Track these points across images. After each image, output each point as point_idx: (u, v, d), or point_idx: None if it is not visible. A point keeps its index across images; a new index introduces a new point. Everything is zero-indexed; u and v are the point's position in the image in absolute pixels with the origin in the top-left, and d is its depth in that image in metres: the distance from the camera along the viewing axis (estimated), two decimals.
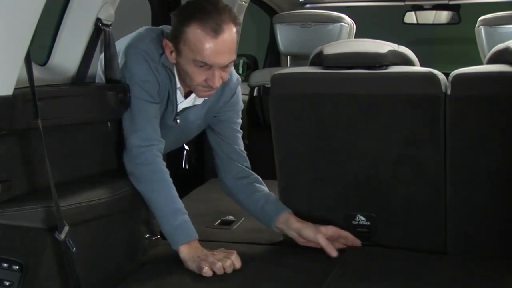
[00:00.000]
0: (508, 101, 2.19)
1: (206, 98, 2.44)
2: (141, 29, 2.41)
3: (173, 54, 2.28)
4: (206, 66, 2.22)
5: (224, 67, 2.26)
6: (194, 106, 2.46)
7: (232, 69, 2.47)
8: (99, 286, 2.11)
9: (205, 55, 2.19)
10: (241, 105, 2.58)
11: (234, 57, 2.27)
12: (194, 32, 2.18)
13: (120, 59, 2.34)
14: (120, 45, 2.37)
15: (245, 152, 2.55)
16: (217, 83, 2.26)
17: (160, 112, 2.39)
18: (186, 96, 2.43)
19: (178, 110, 2.44)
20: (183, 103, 2.43)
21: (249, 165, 2.54)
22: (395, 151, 2.31)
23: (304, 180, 2.45)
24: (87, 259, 2.07)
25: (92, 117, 2.24)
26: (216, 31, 2.17)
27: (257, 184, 2.48)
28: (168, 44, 2.28)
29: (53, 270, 1.98)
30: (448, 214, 2.28)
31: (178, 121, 2.46)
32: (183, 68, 2.28)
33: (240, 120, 2.58)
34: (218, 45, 2.18)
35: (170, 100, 2.40)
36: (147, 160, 2.28)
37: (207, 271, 2.12)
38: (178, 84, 2.38)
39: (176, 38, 2.23)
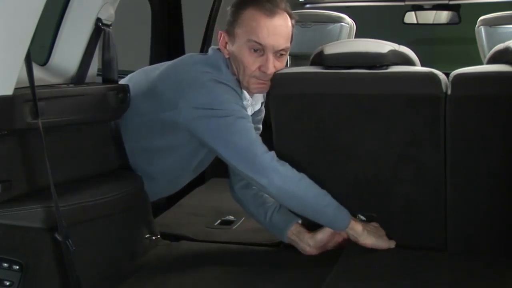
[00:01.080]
0: (508, 101, 2.19)
1: (263, 102, 2.44)
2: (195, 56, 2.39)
3: (227, 45, 2.29)
4: (260, 51, 2.24)
5: (278, 56, 2.28)
6: (253, 115, 2.43)
7: None
8: (99, 286, 2.11)
9: (259, 34, 2.22)
10: (264, 113, 2.56)
11: (288, 45, 2.29)
12: (250, 13, 2.24)
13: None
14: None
15: None
16: (271, 69, 2.26)
17: None
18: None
19: None
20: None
21: None
22: (395, 151, 2.30)
23: None
24: (87, 259, 2.07)
25: (92, 117, 2.24)
26: (271, 12, 2.23)
27: (265, 194, 2.43)
28: (223, 35, 2.30)
29: (53, 270, 1.98)
30: (448, 214, 2.28)
31: None
32: (237, 57, 2.27)
33: (260, 127, 2.55)
34: (272, 26, 2.23)
35: None
36: (282, 168, 2.22)
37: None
38: (246, 95, 2.36)
39: (232, 24, 2.27)
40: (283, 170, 2.21)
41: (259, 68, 2.27)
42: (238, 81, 2.33)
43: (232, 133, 2.22)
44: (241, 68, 2.29)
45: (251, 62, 2.26)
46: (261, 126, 2.56)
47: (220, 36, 2.32)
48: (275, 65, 2.28)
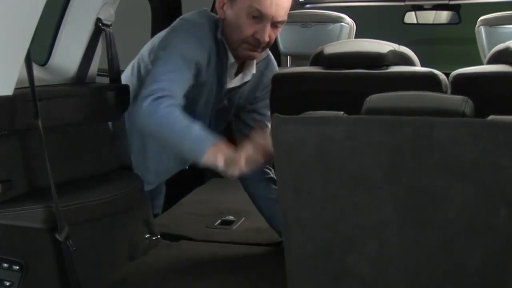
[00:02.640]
0: (508, 101, 2.19)
1: (254, 73, 2.44)
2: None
3: (225, 7, 2.30)
4: (258, 18, 2.25)
5: (275, 26, 2.29)
6: (242, 85, 2.44)
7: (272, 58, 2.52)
8: (99, 286, 2.11)
9: (262, 3, 2.22)
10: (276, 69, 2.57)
11: (286, 18, 2.31)
12: None
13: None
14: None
15: None
16: (266, 37, 2.27)
17: (207, 93, 2.37)
18: (235, 75, 2.43)
19: (226, 91, 2.42)
20: (232, 82, 2.42)
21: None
22: None
23: None
24: (87, 259, 2.07)
25: (92, 117, 2.24)
26: None
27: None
28: None
29: (53, 270, 1.98)
30: None
31: (225, 102, 2.45)
32: (233, 21, 2.28)
33: (269, 113, 2.51)
34: None
35: (218, 79, 2.38)
36: (162, 109, 2.14)
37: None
38: (232, 59, 2.36)
39: None
40: (157, 109, 2.13)
41: (254, 34, 2.27)
42: (224, 42, 2.34)
43: (158, 64, 2.25)
44: (235, 32, 2.30)
45: (248, 27, 2.26)
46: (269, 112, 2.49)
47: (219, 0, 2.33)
48: (269, 34, 2.29)
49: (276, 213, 2.35)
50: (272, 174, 2.48)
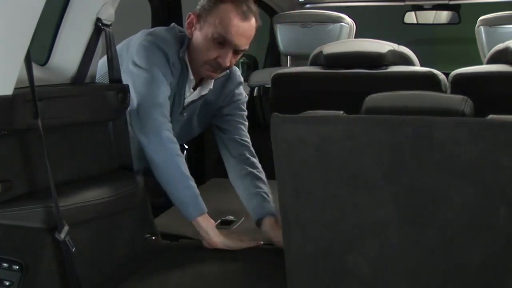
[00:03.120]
0: (508, 100, 2.19)
1: (211, 88, 2.55)
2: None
3: (193, 28, 2.43)
4: (222, 44, 2.38)
5: (236, 53, 2.42)
6: (200, 98, 2.55)
7: (235, 67, 2.63)
8: (99, 286, 2.11)
9: (229, 31, 2.35)
10: (245, 97, 2.68)
11: (247, 47, 2.44)
12: (227, 10, 2.37)
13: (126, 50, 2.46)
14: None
15: (250, 143, 2.61)
16: (227, 63, 2.40)
17: (170, 107, 2.47)
18: (194, 89, 2.54)
19: (185, 104, 2.53)
20: (191, 96, 2.52)
21: (253, 158, 2.58)
22: None
23: None
24: (87, 259, 2.07)
25: (92, 117, 2.24)
26: (246, 16, 2.38)
27: (257, 182, 2.52)
28: (192, 18, 2.43)
29: (53, 270, 1.98)
30: None
31: (184, 114, 2.54)
32: (199, 43, 2.41)
33: (245, 112, 2.67)
34: (243, 28, 2.38)
35: (178, 92, 2.49)
36: (167, 138, 2.34)
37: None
38: (191, 76, 2.48)
39: (205, 11, 2.40)
40: (165, 139, 2.33)
41: (216, 58, 2.40)
42: (186, 61, 2.47)
43: (142, 90, 2.38)
44: (199, 53, 2.42)
45: (212, 51, 2.39)
46: (244, 112, 2.66)
47: (189, 17, 2.45)
48: (231, 60, 2.42)
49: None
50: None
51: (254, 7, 2.42)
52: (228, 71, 2.58)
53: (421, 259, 1.63)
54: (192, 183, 2.34)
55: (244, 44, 2.41)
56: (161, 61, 2.41)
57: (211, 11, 2.38)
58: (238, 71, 2.68)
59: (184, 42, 2.47)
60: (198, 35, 2.41)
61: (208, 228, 2.35)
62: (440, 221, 1.59)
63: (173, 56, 2.44)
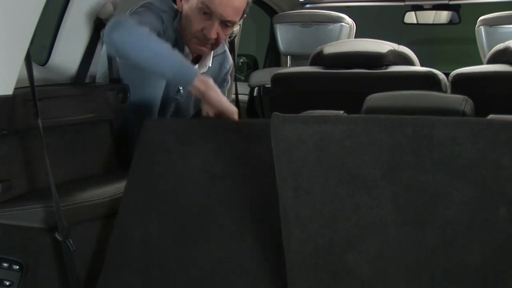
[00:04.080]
0: (508, 100, 2.20)
1: (209, 66, 2.48)
2: None
3: (183, 1, 2.35)
4: (208, 15, 2.28)
5: (224, 25, 2.31)
6: None
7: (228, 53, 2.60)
8: (99, 286, 2.11)
9: (213, 0, 2.25)
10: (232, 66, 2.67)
11: (236, 20, 2.33)
12: None
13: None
14: None
15: None
16: (213, 34, 2.30)
17: (165, 84, 2.40)
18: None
19: None
20: None
21: None
22: None
23: None
24: (87, 259, 2.07)
25: (92, 117, 2.24)
26: None
27: None
28: None
29: (53, 270, 1.98)
30: None
31: (181, 92, 2.47)
32: (186, 14, 2.34)
33: (229, 80, 2.68)
34: None
35: None
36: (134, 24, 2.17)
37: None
38: (187, 50, 2.40)
39: None
40: (133, 24, 2.16)
41: (202, 29, 2.31)
42: (180, 34, 2.39)
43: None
44: (187, 25, 2.35)
45: (197, 23, 2.31)
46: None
47: None
48: (218, 32, 2.32)
49: None
50: None
51: None
52: (224, 50, 2.54)
53: (420, 258, 1.63)
54: (176, 52, 2.16)
55: (230, 15, 2.29)
56: (153, 19, 2.32)
57: None
58: (229, 56, 2.65)
59: (177, 14, 2.40)
60: (186, 7, 2.34)
61: (212, 84, 2.09)
62: (440, 221, 1.59)
63: (167, 23, 2.38)
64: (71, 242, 1.93)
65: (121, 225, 1.98)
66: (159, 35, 2.29)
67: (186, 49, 2.42)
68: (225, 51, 2.61)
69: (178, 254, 1.89)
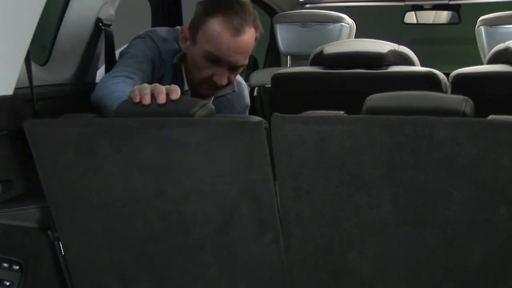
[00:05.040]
0: (508, 100, 2.20)
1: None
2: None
3: (188, 43, 2.23)
4: (216, 62, 2.19)
5: (234, 69, 2.23)
6: None
7: (243, 83, 2.44)
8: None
9: (220, 49, 2.16)
10: (247, 103, 2.49)
11: (246, 61, 2.23)
12: (216, 24, 2.15)
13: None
14: None
15: None
16: (224, 81, 2.22)
17: None
18: None
19: None
20: None
21: None
22: None
23: None
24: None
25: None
26: (238, 30, 2.15)
27: None
28: (185, 32, 2.24)
29: (53, 270, 1.98)
30: None
31: None
32: (194, 59, 2.22)
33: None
34: (235, 45, 2.16)
35: None
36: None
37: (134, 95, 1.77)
38: (186, 87, 2.30)
39: (196, 26, 2.20)
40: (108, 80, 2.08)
41: (212, 76, 2.22)
42: (181, 69, 2.29)
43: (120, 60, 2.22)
44: (195, 70, 2.24)
45: (206, 70, 2.21)
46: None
47: (182, 32, 2.26)
48: (229, 77, 2.23)
49: None
50: None
51: (249, 17, 2.18)
52: (235, 88, 2.38)
53: (421, 259, 1.64)
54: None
55: (240, 60, 2.20)
56: (149, 50, 2.24)
57: (200, 26, 2.18)
58: (245, 89, 2.48)
59: (180, 50, 2.30)
60: (193, 52, 2.22)
61: None
62: (440, 221, 1.59)
63: (166, 54, 2.27)
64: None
65: None
66: (153, 66, 2.23)
67: (185, 86, 2.30)
68: (234, 91, 2.40)
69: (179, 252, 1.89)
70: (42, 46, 2.31)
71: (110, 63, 2.32)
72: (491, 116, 1.61)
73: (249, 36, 2.18)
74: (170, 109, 1.72)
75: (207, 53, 2.17)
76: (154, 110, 1.72)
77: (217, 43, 2.15)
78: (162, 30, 2.33)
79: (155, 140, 1.69)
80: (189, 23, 2.25)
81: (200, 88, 2.27)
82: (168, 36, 2.30)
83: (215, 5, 2.19)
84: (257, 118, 1.69)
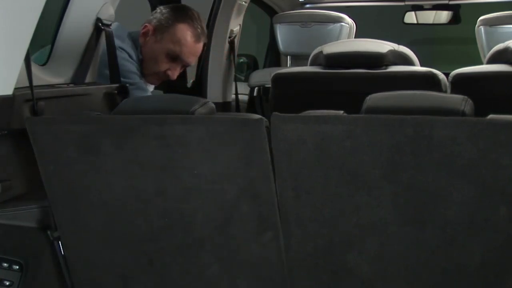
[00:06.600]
0: (508, 100, 2.20)
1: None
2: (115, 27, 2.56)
3: (148, 38, 2.59)
4: (174, 59, 2.58)
5: (184, 67, 2.69)
6: None
7: None
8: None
9: (182, 51, 2.58)
10: None
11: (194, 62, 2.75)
12: (182, 30, 2.58)
13: None
14: None
15: None
16: (175, 76, 2.65)
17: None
18: None
19: None
20: None
21: None
22: None
23: None
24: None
25: None
26: (199, 38, 2.63)
27: None
28: (149, 29, 2.61)
29: (53, 270, 1.98)
30: None
31: None
32: (154, 53, 2.59)
33: None
34: (195, 49, 2.63)
35: None
36: None
37: None
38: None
39: (162, 27, 2.57)
40: None
41: (166, 71, 2.62)
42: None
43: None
44: (151, 63, 2.61)
45: (163, 64, 2.61)
46: None
47: (145, 28, 2.61)
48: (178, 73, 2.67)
49: None
50: None
51: (204, 27, 2.66)
52: None
53: (421, 258, 1.64)
54: None
55: (193, 61, 2.67)
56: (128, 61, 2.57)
57: (168, 30, 2.59)
58: None
59: (137, 44, 2.63)
60: (152, 45, 2.58)
61: None
62: (440, 221, 1.59)
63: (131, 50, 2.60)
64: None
65: None
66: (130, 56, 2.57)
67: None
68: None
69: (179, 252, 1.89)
70: (42, 46, 2.31)
71: (111, 63, 2.32)
72: (490, 116, 1.61)
73: (202, 41, 2.66)
74: (170, 107, 1.73)
75: (171, 51, 2.58)
76: (155, 108, 1.73)
77: (182, 46, 2.58)
78: (125, 41, 2.62)
79: (156, 137, 1.70)
80: (152, 22, 2.60)
81: (150, 78, 2.63)
82: (122, 34, 2.59)
83: (183, 13, 2.61)
84: (257, 116, 1.69)
